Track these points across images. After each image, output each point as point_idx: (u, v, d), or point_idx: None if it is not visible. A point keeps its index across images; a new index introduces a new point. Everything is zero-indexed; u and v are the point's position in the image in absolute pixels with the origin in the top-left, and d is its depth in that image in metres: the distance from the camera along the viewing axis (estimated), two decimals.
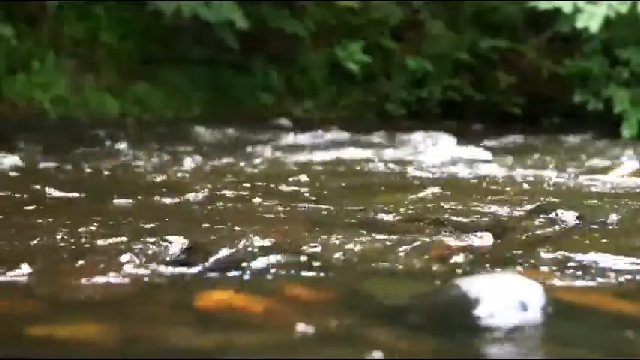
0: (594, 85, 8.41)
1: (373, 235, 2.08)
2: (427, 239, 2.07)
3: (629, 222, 2.43)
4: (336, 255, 1.87)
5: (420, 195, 3.07)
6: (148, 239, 1.95)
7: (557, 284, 1.66)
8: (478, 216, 2.49)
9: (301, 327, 1.34)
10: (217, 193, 3.05)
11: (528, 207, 2.65)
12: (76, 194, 2.92)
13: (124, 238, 1.97)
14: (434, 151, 5.15)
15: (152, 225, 2.20)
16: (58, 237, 2.02)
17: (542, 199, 2.98)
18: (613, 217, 2.49)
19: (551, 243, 2.09)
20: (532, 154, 5.26)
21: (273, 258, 1.79)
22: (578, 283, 1.70)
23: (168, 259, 1.80)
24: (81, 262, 1.74)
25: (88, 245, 1.93)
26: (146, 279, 1.66)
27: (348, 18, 9.54)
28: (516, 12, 9.59)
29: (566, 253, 1.95)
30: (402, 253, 1.91)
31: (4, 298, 1.53)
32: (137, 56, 8.63)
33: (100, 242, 1.95)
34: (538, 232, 2.23)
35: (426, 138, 6.19)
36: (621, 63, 8.36)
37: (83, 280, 1.64)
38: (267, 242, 1.95)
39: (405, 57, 9.41)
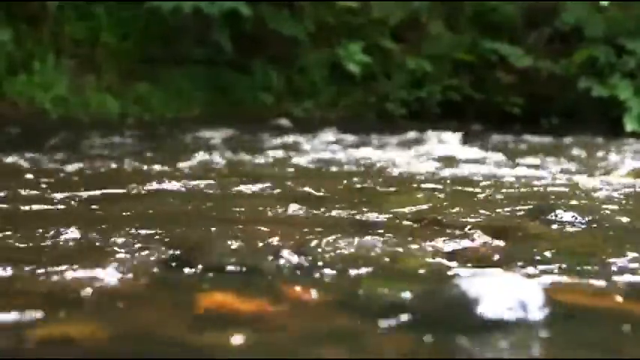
0: (600, 72, 8.46)
1: (373, 235, 2.09)
2: (426, 239, 2.08)
3: (628, 222, 2.43)
4: (336, 255, 1.87)
5: (420, 195, 3.07)
6: (147, 239, 1.95)
7: (557, 284, 1.66)
8: (478, 216, 2.49)
9: (301, 327, 1.34)
10: (217, 193, 3.05)
11: (528, 207, 2.65)
12: (75, 194, 2.92)
13: (124, 239, 1.97)
14: (434, 152, 5.15)
15: (152, 225, 2.20)
16: (58, 237, 2.02)
17: (542, 199, 2.98)
18: (612, 217, 2.49)
19: (551, 243, 2.09)
20: (532, 154, 5.26)
21: (273, 258, 1.79)
22: (578, 283, 1.70)
23: (167, 259, 1.80)
24: (80, 261, 1.75)
25: (87, 245, 1.93)
26: (146, 279, 1.66)
27: (348, 18, 9.54)
28: (516, 11, 9.60)
29: (566, 253, 1.95)
30: (401, 253, 1.91)
31: (4, 297, 1.53)
32: (137, 56, 8.63)
33: (99, 242, 1.95)
34: (538, 232, 2.23)
35: (426, 138, 6.19)
36: (627, 53, 8.40)
37: (82, 280, 1.64)
38: (266, 242, 1.95)
39: (405, 57, 9.41)
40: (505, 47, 9.31)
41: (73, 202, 2.74)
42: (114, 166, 4.13)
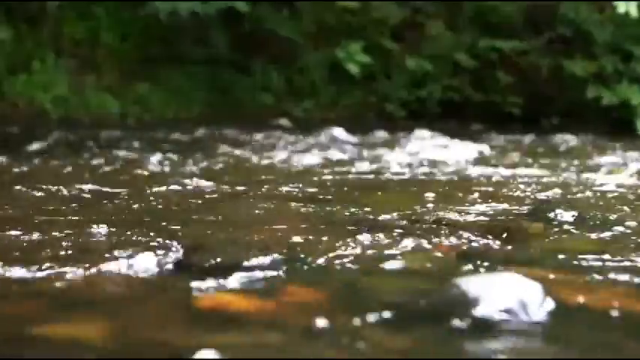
0: (607, 80, 8.48)
1: (372, 235, 2.09)
2: (427, 239, 2.08)
3: (629, 222, 2.43)
4: (336, 255, 1.87)
5: (420, 195, 3.07)
6: (147, 240, 1.95)
7: (557, 284, 1.66)
8: (478, 216, 2.49)
9: (301, 327, 1.34)
10: (217, 193, 3.05)
11: (528, 207, 2.65)
12: (75, 194, 2.92)
13: (124, 239, 1.97)
14: (434, 152, 5.15)
15: (151, 225, 2.20)
16: (58, 237, 2.02)
17: (542, 199, 2.98)
18: (613, 217, 2.49)
19: (551, 243, 2.09)
20: (532, 154, 5.26)
21: (273, 258, 1.79)
22: (578, 282, 1.70)
23: (167, 259, 1.80)
24: (80, 262, 1.74)
25: (87, 245, 1.93)
26: (146, 279, 1.66)
27: (348, 18, 9.54)
28: (516, 12, 9.60)
29: (566, 253, 1.95)
30: (401, 253, 1.91)
31: (4, 297, 1.53)
32: (137, 56, 8.64)
33: (99, 242, 1.95)
34: (538, 232, 2.23)
35: (426, 138, 6.19)
36: (635, 59, 8.42)
37: (83, 280, 1.64)
38: (266, 242, 1.95)
39: (405, 57, 9.41)
40: (504, 43, 9.31)
41: (73, 202, 2.74)
42: (112, 166, 4.12)
